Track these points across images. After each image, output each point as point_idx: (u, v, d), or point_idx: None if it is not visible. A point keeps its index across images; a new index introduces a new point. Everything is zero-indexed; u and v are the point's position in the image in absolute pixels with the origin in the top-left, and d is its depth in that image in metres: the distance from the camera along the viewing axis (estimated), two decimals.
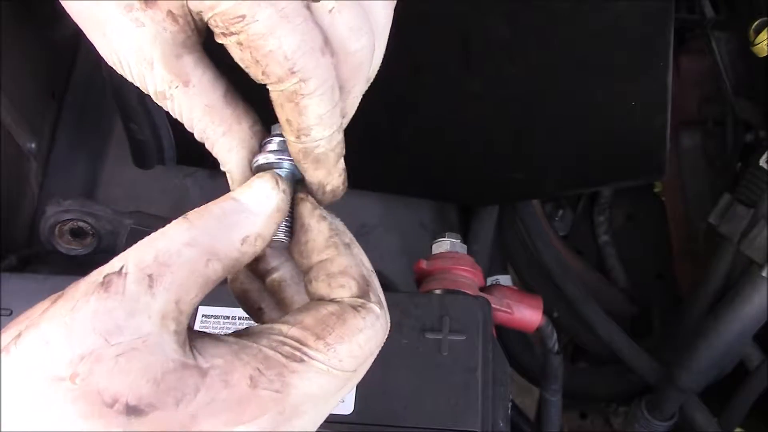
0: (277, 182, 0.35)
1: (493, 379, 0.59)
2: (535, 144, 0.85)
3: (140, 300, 0.30)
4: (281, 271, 0.39)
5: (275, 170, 0.35)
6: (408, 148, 0.89)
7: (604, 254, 1.23)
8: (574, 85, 0.78)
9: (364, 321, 0.33)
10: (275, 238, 0.35)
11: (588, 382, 1.09)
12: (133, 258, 0.31)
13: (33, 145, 0.89)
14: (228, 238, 0.33)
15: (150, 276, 0.30)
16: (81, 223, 0.49)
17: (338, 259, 0.35)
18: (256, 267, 0.39)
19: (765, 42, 0.86)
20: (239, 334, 0.33)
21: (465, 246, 0.74)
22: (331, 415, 0.56)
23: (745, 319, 0.85)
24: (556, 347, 0.78)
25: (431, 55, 0.77)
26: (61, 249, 0.51)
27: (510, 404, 0.63)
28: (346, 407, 0.57)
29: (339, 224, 0.38)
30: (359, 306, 0.34)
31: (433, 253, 0.73)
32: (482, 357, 0.58)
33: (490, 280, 1.05)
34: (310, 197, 0.37)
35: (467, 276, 0.69)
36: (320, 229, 0.36)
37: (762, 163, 0.87)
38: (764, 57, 0.87)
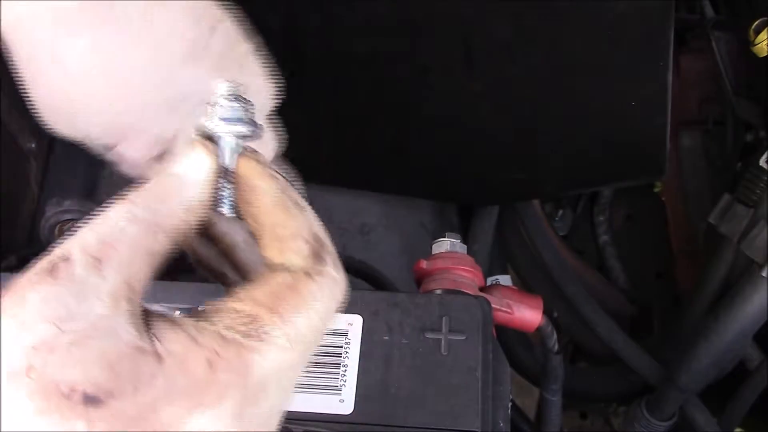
0: (206, 147, 0.34)
1: (493, 379, 0.59)
2: (535, 144, 0.86)
3: (89, 283, 0.29)
4: (232, 236, 0.38)
5: (216, 134, 0.34)
6: (408, 148, 0.89)
7: (604, 254, 1.24)
8: (575, 85, 0.78)
9: (319, 288, 0.33)
10: (223, 212, 0.35)
11: (588, 382, 1.09)
12: (76, 243, 0.30)
13: (33, 145, 0.89)
14: (169, 209, 0.32)
15: (97, 258, 0.29)
16: (81, 223, 0.49)
17: (288, 221, 0.34)
18: (210, 233, 0.38)
19: (765, 42, 0.86)
20: (195, 315, 0.32)
21: (465, 246, 0.74)
22: (331, 415, 0.56)
23: (745, 319, 0.85)
24: (556, 347, 0.78)
25: (433, 55, 0.77)
26: None
27: (510, 404, 0.63)
28: (346, 407, 0.57)
29: (287, 184, 0.36)
30: (313, 272, 0.33)
31: (433, 253, 0.73)
32: (482, 357, 0.58)
33: (490, 280, 1.05)
34: (257, 155, 0.35)
35: (467, 276, 0.69)
36: (269, 189, 0.34)
37: (762, 163, 0.87)
38: (764, 57, 0.87)
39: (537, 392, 0.91)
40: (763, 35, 0.86)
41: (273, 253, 0.34)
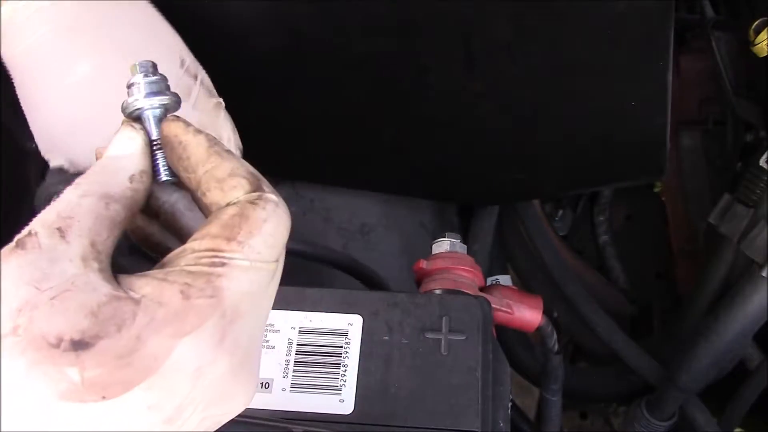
0: (132, 126, 0.37)
1: (493, 379, 0.59)
2: (535, 144, 0.85)
3: (57, 248, 0.31)
4: (172, 203, 0.40)
5: (140, 110, 0.37)
6: (408, 148, 0.89)
7: (604, 254, 1.24)
8: (575, 84, 0.78)
9: (265, 211, 0.35)
10: (161, 178, 0.38)
11: (588, 382, 1.09)
12: (37, 221, 0.32)
13: (33, 145, 0.89)
14: (116, 181, 0.35)
15: (59, 228, 0.32)
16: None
17: (223, 164, 0.36)
18: (150, 207, 0.40)
19: (765, 42, 0.86)
20: (158, 266, 0.34)
21: (465, 246, 0.74)
22: (331, 415, 0.56)
23: (745, 319, 0.85)
24: (556, 347, 0.78)
25: (433, 55, 0.77)
26: None
27: (510, 404, 0.63)
28: (346, 407, 0.57)
29: (212, 136, 0.38)
30: (256, 199, 0.35)
31: (433, 253, 0.73)
32: (482, 357, 0.58)
33: (490, 280, 1.05)
34: (180, 117, 0.38)
35: (467, 276, 0.69)
36: (198, 142, 0.37)
37: (762, 163, 0.87)
38: (764, 57, 0.87)
39: (537, 392, 0.91)
40: (763, 35, 0.86)
41: (216, 195, 0.36)
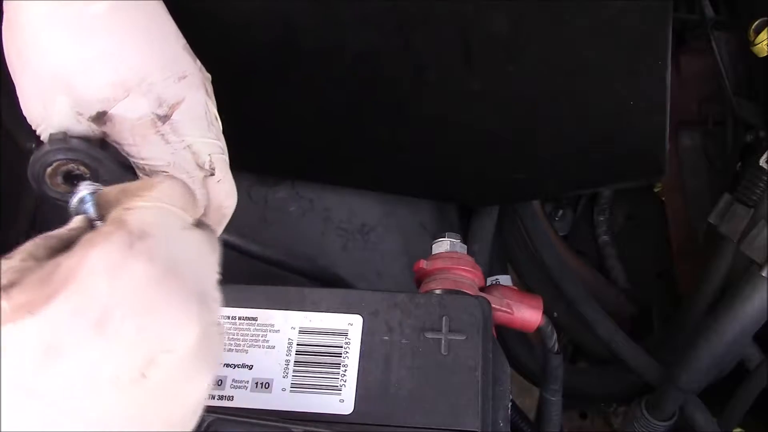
0: None
1: (493, 379, 0.59)
2: (535, 144, 0.85)
3: None
4: None
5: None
6: (408, 148, 0.89)
7: (604, 254, 1.24)
8: (574, 84, 0.78)
9: (160, 181, 0.40)
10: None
11: (588, 382, 1.09)
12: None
13: (33, 145, 0.88)
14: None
15: None
16: (82, 168, 0.46)
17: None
18: None
19: (765, 42, 0.86)
20: None
21: (465, 246, 0.74)
22: (331, 415, 0.56)
23: (745, 319, 0.85)
24: (556, 347, 0.78)
25: (431, 53, 0.77)
26: (50, 192, 0.47)
27: (510, 404, 0.63)
28: (346, 407, 0.57)
29: None
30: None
31: (433, 253, 0.73)
32: (482, 357, 0.58)
33: (490, 280, 1.05)
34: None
35: (467, 276, 0.69)
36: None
37: (762, 163, 0.87)
38: (764, 57, 0.87)
39: (537, 392, 0.91)
40: (763, 35, 0.86)
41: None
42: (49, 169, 0.45)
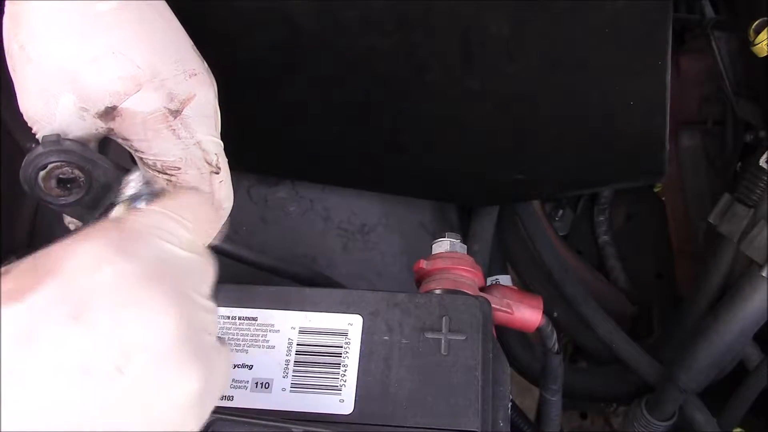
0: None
1: (493, 379, 0.59)
2: (535, 144, 0.85)
3: None
4: None
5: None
6: (408, 148, 0.89)
7: (604, 254, 1.24)
8: (574, 84, 0.78)
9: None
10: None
11: (588, 382, 1.09)
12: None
13: (33, 146, 0.88)
14: None
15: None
16: (76, 171, 0.45)
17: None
18: None
19: (765, 42, 0.86)
20: None
21: (465, 246, 0.74)
22: (331, 415, 0.56)
23: (745, 319, 0.85)
24: (556, 347, 0.78)
25: (431, 53, 0.77)
26: (43, 197, 0.46)
27: (510, 404, 0.63)
28: (346, 407, 0.57)
29: None
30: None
31: (433, 253, 0.73)
32: (482, 357, 0.58)
33: (490, 280, 1.05)
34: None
35: (467, 276, 0.69)
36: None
37: (762, 163, 0.87)
38: (764, 57, 0.87)
39: (537, 392, 0.91)
40: (763, 35, 0.86)
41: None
42: (42, 173, 0.45)
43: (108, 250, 0.34)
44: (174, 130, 0.45)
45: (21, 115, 0.47)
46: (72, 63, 0.44)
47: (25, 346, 0.31)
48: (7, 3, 0.45)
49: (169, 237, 0.38)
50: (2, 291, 0.32)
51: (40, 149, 0.45)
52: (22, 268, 0.33)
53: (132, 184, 0.44)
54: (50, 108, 0.45)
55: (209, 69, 0.49)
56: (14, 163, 0.87)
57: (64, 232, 0.38)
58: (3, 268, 0.34)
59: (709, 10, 1.07)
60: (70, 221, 0.47)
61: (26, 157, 0.45)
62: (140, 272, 0.34)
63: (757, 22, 0.86)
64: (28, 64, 0.44)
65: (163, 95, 0.45)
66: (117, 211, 0.42)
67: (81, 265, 0.33)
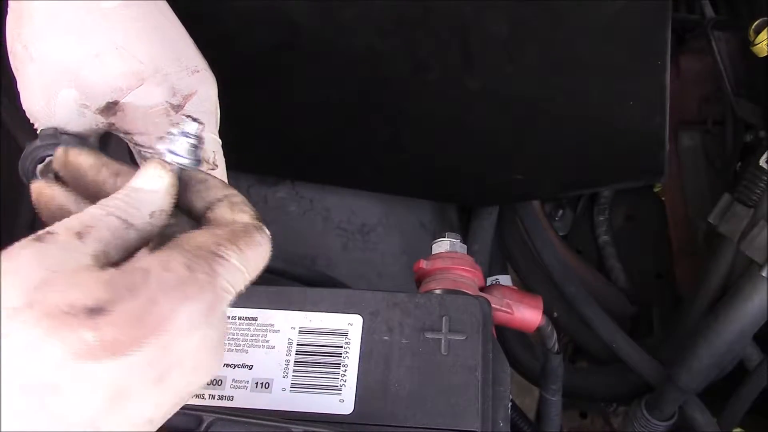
0: (163, 165, 0.39)
1: (493, 379, 0.59)
2: (534, 144, 0.85)
3: (72, 244, 0.34)
4: (78, 163, 0.42)
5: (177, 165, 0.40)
6: (407, 147, 0.89)
7: (604, 254, 1.23)
8: (573, 84, 0.78)
9: (262, 238, 0.39)
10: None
11: (588, 382, 1.09)
12: (59, 225, 0.35)
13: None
14: (139, 213, 0.37)
15: (78, 232, 0.34)
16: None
17: (238, 195, 0.41)
18: (61, 166, 0.43)
19: (765, 42, 0.86)
20: (159, 248, 0.37)
21: (465, 246, 0.74)
22: (331, 415, 0.56)
23: (745, 319, 0.85)
24: (556, 347, 0.78)
25: (431, 53, 0.77)
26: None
27: (510, 404, 0.63)
28: (346, 407, 0.57)
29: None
30: (258, 226, 0.40)
31: (433, 253, 0.73)
32: (482, 357, 0.58)
33: (490, 280, 1.05)
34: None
35: (467, 276, 0.69)
36: (214, 178, 0.42)
37: (762, 163, 0.87)
38: (764, 57, 0.87)
39: (537, 392, 0.91)
40: (763, 35, 0.86)
41: (225, 213, 0.40)
42: (40, 166, 0.45)
43: (201, 316, 0.34)
44: (174, 124, 0.45)
45: (21, 115, 0.47)
46: (74, 60, 0.44)
47: (114, 403, 0.32)
48: (10, 2, 0.45)
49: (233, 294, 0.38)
50: (106, 341, 0.31)
51: (37, 142, 0.45)
52: (124, 316, 0.32)
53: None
54: (51, 105, 0.45)
55: (209, 67, 0.49)
56: (14, 163, 0.87)
57: None
58: (104, 303, 0.32)
59: (709, 10, 1.07)
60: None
61: (24, 150, 0.45)
62: (217, 339, 0.36)
63: (757, 22, 0.86)
64: (31, 63, 0.45)
65: (165, 89, 0.45)
66: (158, 214, 0.40)
67: (179, 330, 0.33)
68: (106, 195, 0.38)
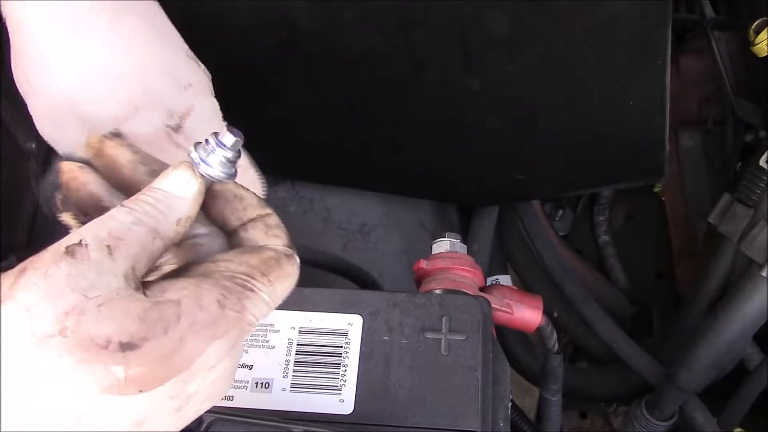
0: (193, 170, 0.39)
1: (493, 379, 0.59)
2: (534, 144, 0.85)
3: (104, 264, 0.34)
4: (116, 157, 0.43)
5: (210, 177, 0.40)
6: (407, 147, 0.89)
7: (604, 254, 1.24)
8: (573, 84, 0.78)
9: (293, 268, 0.40)
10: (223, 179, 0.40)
11: (588, 382, 1.09)
12: (89, 233, 0.34)
13: (33, 145, 0.89)
14: (166, 220, 0.37)
15: (108, 246, 0.34)
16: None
17: (273, 216, 0.42)
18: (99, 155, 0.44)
19: (765, 42, 0.86)
20: (187, 271, 0.38)
21: (465, 246, 0.74)
22: (331, 415, 0.56)
23: (745, 319, 0.85)
24: (556, 347, 0.78)
25: (431, 53, 0.78)
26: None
27: (510, 404, 0.63)
28: (346, 407, 0.57)
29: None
30: (290, 255, 0.40)
31: (433, 253, 0.73)
32: (482, 357, 0.58)
33: (490, 280, 1.05)
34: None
35: (467, 276, 0.69)
36: (251, 195, 0.42)
37: (762, 163, 0.87)
38: (764, 57, 0.87)
39: (537, 392, 0.91)
40: (763, 35, 0.86)
41: (259, 235, 0.41)
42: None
43: (225, 350, 0.35)
44: (178, 144, 0.45)
45: (21, 115, 0.47)
46: (70, 93, 0.45)
47: (133, 430, 0.33)
48: (9, 34, 0.45)
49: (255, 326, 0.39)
50: (135, 377, 0.32)
51: (55, 170, 0.46)
52: (155, 354, 0.32)
53: None
54: (59, 134, 0.46)
55: (205, 69, 0.49)
56: (14, 163, 0.88)
57: (64, 233, 0.37)
58: (136, 340, 0.32)
59: (709, 10, 1.07)
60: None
61: (44, 179, 0.47)
62: (234, 367, 0.37)
63: (757, 22, 0.86)
64: (35, 96, 0.45)
65: (162, 113, 0.46)
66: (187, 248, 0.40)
67: (204, 365, 0.34)
68: (137, 191, 0.38)
